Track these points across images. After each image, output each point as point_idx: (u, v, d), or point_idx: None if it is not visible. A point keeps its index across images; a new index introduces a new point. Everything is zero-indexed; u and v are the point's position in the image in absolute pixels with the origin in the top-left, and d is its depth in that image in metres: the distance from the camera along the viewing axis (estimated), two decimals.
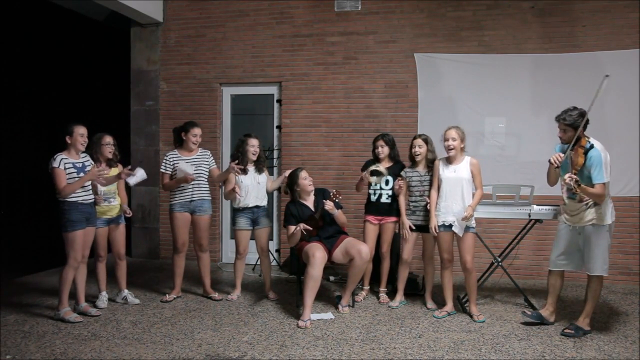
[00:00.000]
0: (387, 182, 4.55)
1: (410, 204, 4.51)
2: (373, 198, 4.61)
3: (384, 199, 4.57)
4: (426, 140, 4.47)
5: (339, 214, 4.37)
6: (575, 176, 3.52)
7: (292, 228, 4.32)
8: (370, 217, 4.63)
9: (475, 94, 5.67)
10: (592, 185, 3.63)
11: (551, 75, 5.49)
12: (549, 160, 3.78)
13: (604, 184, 3.62)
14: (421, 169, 4.48)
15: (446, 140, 4.17)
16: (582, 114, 3.71)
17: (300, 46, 6.14)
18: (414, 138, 4.51)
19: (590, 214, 3.75)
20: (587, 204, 3.75)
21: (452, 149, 4.16)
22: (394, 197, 4.55)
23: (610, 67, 5.34)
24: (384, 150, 4.58)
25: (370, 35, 5.96)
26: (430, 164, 4.43)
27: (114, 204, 4.47)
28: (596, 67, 5.38)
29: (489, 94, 5.65)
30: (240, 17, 6.29)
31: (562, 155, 3.71)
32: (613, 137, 5.16)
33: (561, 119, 3.77)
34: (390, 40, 5.91)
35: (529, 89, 5.59)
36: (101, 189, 4.33)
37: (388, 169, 4.56)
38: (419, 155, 4.45)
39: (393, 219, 4.58)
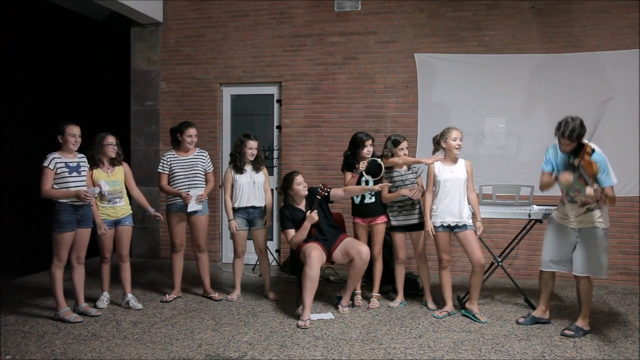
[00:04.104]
0: (367, 182, 4.47)
1: (395, 204, 4.50)
2: (357, 200, 4.54)
3: (367, 200, 4.49)
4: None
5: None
6: (598, 186, 3.47)
7: (292, 232, 4.33)
8: (358, 219, 4.56)
9: (476, 94, 5.67)
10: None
11: (551, 75, 5.49)
12: (559, 179, 3.70)
13: (612, 186, 3.57)
14: (401, 167, 4.49)
15: (454, 140, 4.17)
16: (582, 122, 3.59)
17: (300, 46, 6.14)
18: (400, 141, 4.43)
19: (595, 216, 3.71)
20: (588, 207, 3.72)
21: (458, 149, 4.19)
22: (378, 196, 4.49)
23: (610, 67, 5.36)
24: (371, 150, 4.53)
25: (370, 35, 5.96)
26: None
27: (119, 205, 4.44)
28: (596, 67, 5.39)
29: (489, 94, 5.64)
30: (240, 17, 6.29)
31: (569, 174, 3.61)
32: (613, 137, 5.17)
33: (567, 136, 3.55)
34: (390, 40, 5.91)
35: (529, 89, 5.58)
36: (106, 189, 4.32)
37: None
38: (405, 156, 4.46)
39: (382, 219, 4.51)
